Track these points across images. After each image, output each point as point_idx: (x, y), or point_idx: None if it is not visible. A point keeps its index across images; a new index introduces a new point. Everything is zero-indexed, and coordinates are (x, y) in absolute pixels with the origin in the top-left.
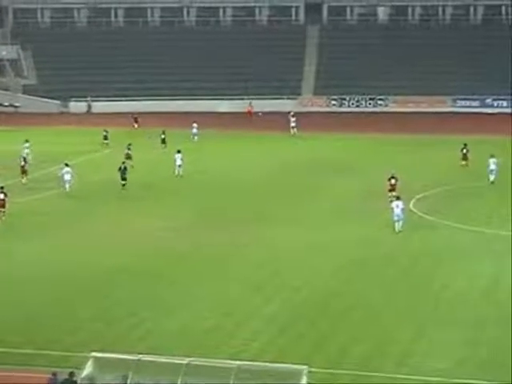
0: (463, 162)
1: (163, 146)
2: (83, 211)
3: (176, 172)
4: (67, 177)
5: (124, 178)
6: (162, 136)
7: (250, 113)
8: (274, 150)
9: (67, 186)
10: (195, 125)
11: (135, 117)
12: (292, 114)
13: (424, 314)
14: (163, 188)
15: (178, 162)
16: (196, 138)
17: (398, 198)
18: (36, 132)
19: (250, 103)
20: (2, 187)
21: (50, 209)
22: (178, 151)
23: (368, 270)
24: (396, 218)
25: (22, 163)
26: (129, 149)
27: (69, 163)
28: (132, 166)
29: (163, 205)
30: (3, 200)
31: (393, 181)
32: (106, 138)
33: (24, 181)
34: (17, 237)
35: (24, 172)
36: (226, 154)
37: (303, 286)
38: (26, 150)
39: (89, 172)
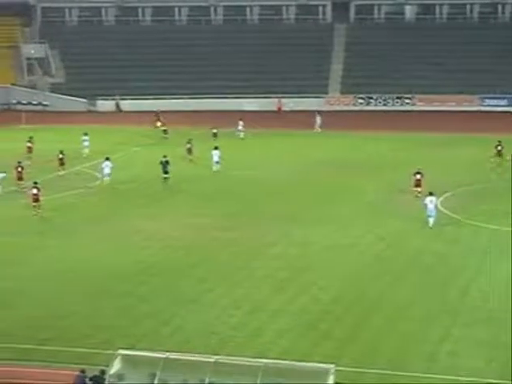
0: (497, 159)
1: (214, 139)
2: (114, 207)
3: (214, 168)
4: (107, 170)
5: (166, 172)
6: (214, 131)
7: (279, 109)
8: (301, 148)
9: (106, 178)
10: (241, 122)
11: (158, 115)
12: (318, 112)
13: (451, 312)
14: (196, 184)
15: (215, 159)
16: (242, 134)
17: (431, 194)
18: (64, 130)
19: (280, 100)
20: (36, 182)
21: (83, 204)
22: (216, 148)
23: (395, 268)
24: (429, 214)
25: (60, 156)
26: (189, 143)
27: (109, 157)
28: (191, 160)
29: (191, 201)
30: (37, 195)
31: (418, 176)
32: (165, 132)
33: (61, 173)
34: (49, 232)
35: (62, 164)
36: (257, 152)
37: (330, 285)
38: (86, 143)
39: (124, 167)
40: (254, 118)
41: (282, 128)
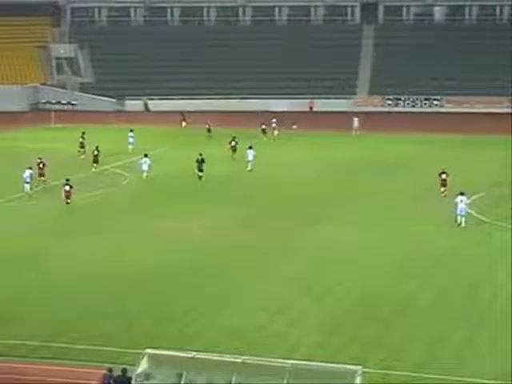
0: None
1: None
2: (143, 205)
3: (249, 167)
4: (145, 166)
5: (201, 170)
6: (263, 127)
7: (311, 108)
8: (330, 149)
9: (144, 175)
10: (274, 120)
11: (183, 115)
12: (355, 114)
13: (477, 316)
14: (227, 183)
15: (250, 158)
16: (276, 132)
17: (462, 194)
18: (93, 130)
19: (311, 101)
20: (68, 179)
21: (111, 204)
22: (250, 147)
23: (421, 270)
24: (460, 213)
25: (96, 152)
26: (234, 141)
27: (148, 154)
28: (234, 159)
29: (219, 201)
30: (69, 192)
31: (443, 176)
32: (209, 130)
33: (94, 170)
34: (79, 231)
35: (96, 161)
36: (287, 152)
37: (355, 286)
38: (131, 139)
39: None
40: (289, 118)
41: (312, 129)
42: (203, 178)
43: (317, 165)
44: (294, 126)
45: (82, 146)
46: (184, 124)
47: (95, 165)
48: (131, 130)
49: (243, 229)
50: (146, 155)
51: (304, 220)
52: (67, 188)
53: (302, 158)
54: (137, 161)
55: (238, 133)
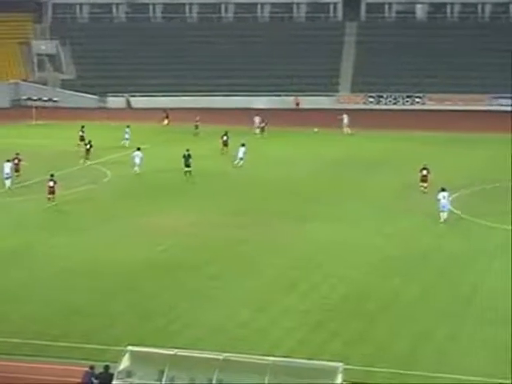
0: None
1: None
2: (128, 202)
3: (235, 162)
4: (137, 160)
5: (188, 165)
6: (262, 125)
7: (297, 104)
8: (314, 146)
9: (136, 168)
10: (258, 118)
11: (166, 113)
12: (345, 112)
13: (460, 312)
14: (213, 180)
15: (240, 155)
16: (258, 130)
17: (443, 190)
18: (74, 126)
19: (297, 98)
20: (53, 175)
21: (95, 200)
22: (243, 144)
23: (404, 267)
24: (442, 209)
25: (88, 146)
26: (226, 136)
27: (140, 147)
28: (223, 153)
29: (205, 197)
30: (53, 187)
31: (424, 172)
32: (196, 127)
33: (88, 163)
34: (60, 228)
35: (88, 155)
36: (273, 149)
37: (339, 283)
38: (127, 135)
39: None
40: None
41: (292, 126)
42: (190, 174)
43: (303, 162)
44: (316, 129)
45: (82, 139)
46: (166, 121)
47: (87, 160)
48: (128, 126)
49: (228, 226)
50: (138, 148)
51: (289, 217)
52: (51, 184)
53: (289, 155)
54: (131, 154)
55: (223, 130)
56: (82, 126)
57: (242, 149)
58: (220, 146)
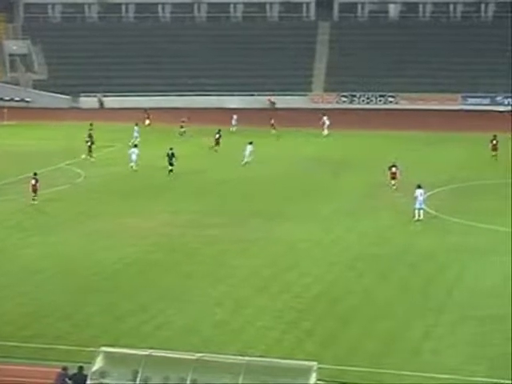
0: (493, 153)
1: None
2: (100, 202)
3: (244, 160)
4: (134, 156)
5: (171, 164)
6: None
7: (272, 103)
8: (288, 146)
9: (133, 164)
10: (235, 116)
11: (148, 113)
12: (323, 113)
13: (434, 311)
14: (190, 179)
15: (246, 153)
16: (235, 129)
17: (419, 187)
18: (47, 127)
19: (270, 97)
20: (36, 173)
21: (69, 200)
22: (250, 142)
23: (378, 266)
24: (419, 206)
25: (89, 143)
26: (218, 134)
27: (137, 144)
28: (216, 151)
29: (180, 197)
30: (35, 185)
31: (393, 169)
32: (182, 126)
33: (91, 159)
34: (34, 228)
35: (90, 151)
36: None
37: (313, 283)
38: (136, 134)
39: (109, 164)
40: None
41: (264, 126)
42: (172, 172)
43: (276, 162)
44: (325, 132)
45: (90, 136)
46: (148, 122)
47: (90, 157)
48: (136, 125)
49: (202, 225)
50: (135, 145)
51: (263, 216)
52: (33, 182)
53: (264, 155)
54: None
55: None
56: (91, 124)
57: (249, 147)
58: (212, 144)
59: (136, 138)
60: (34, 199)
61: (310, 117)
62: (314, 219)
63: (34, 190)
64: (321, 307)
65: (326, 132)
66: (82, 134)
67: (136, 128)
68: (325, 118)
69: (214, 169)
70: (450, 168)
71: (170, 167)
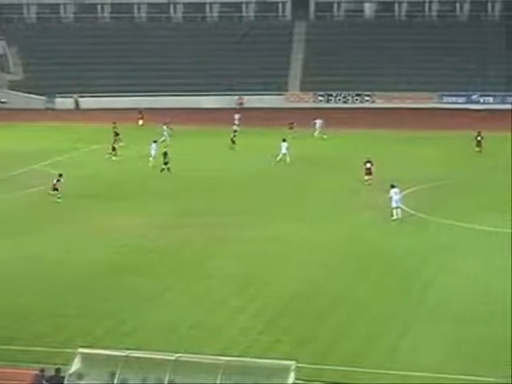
0: (477, 149)
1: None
2: (74, 204)
3: (278, 158)
4: (153, 152)
5: (166, 163)
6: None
7: (240, 104)
8: (262, 146)
9: (151, 159)
10: (237, 116)
11: (142, 113)
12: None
13: (410, 309)
14: (171, 180)
15: (283, 150)
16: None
17: (393, 186)
18: (22, 128)
19: (240, 97)
20: (61, 175)
21: (43, 202)
22: (284, 140)
23: (355, 265)
24: (395, 205)
25: (114, 138)
26: (234, 133)
27: (156, 140)
28: (232, 149)
29: (156, 199)
30: (55, 184)
31: (368, 165)
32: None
33: (113, 158)
34: (14, 230)
35: (114, 149)
36: (217, 151)
37: (290, 282)
38: (165, 133)
39: (85, 165)
40: (212, 116)
41: (243, 125)
42: (168, 170)
43: (255, 161)
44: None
45: (117, 134)
46: (141, 122)
47: (114, 155)
48: (165, 124)
49: (178, 226)
50: (154, 141)
51: (239, 217)
52: (54, 181)
53: (243, 154)
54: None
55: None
56: (114, 122)
57: (285, 144)
58: (229, 144)
59: (165, 138)
60: (58, 197)
61: (286, 116)
62: (291, 219)
63: (55, 189)
64: (298, 307)
65: (318, 135)
66: (57, 134)
67: (164, 127)
68: (317, 120)
69: (201, 169)
70: (426, 166)
71: (164, 166)
